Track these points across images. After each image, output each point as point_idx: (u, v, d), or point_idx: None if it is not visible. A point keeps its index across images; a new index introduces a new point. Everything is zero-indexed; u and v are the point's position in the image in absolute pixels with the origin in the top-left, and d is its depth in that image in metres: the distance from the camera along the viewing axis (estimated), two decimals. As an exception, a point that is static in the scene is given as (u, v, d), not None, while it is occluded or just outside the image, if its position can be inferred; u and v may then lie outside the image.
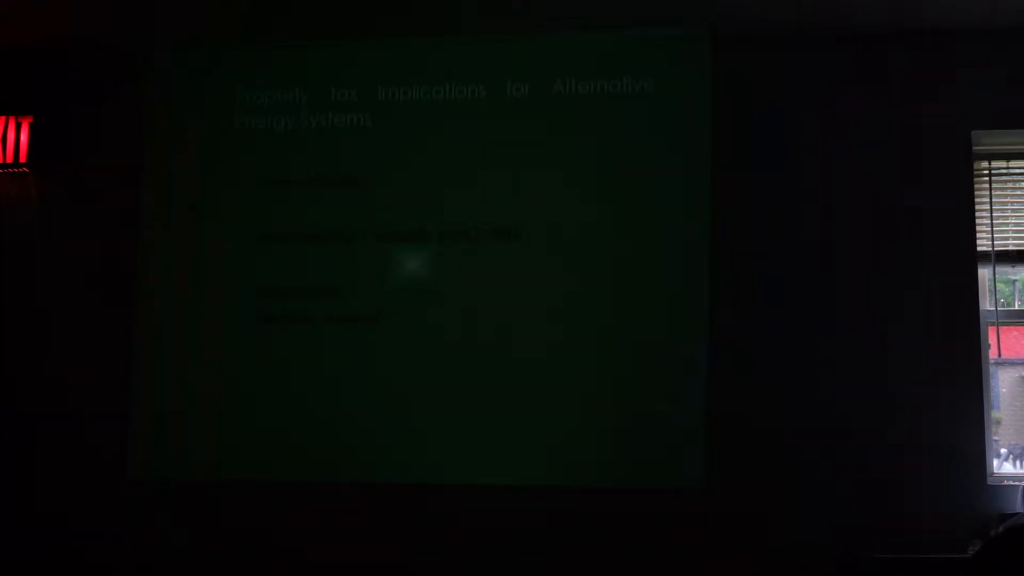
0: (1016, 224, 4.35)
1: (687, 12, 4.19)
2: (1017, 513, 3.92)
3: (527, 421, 4.20)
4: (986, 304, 4.26)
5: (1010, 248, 4.31)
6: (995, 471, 4.14)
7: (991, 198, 4.33)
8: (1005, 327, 4.30)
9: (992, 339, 4.26)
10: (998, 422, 4.28)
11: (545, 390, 4.21)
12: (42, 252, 4.63)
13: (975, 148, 4.27)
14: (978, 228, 4.24)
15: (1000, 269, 4.30)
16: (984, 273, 4.26)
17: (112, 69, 4.67)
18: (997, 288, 4.29)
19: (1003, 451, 4.24)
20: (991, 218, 4.31)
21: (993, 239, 4.29)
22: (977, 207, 4.27)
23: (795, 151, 4.30)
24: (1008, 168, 4.38)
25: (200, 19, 4.36)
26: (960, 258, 4.19)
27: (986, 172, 4.35)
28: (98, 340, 4.52)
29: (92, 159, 4.65)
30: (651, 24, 4.32)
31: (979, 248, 4.24)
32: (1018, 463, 4.20)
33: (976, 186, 4.29)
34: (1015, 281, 4.38)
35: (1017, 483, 4.02)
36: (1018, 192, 4.40)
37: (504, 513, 4.20)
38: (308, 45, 4.55)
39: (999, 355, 4.27)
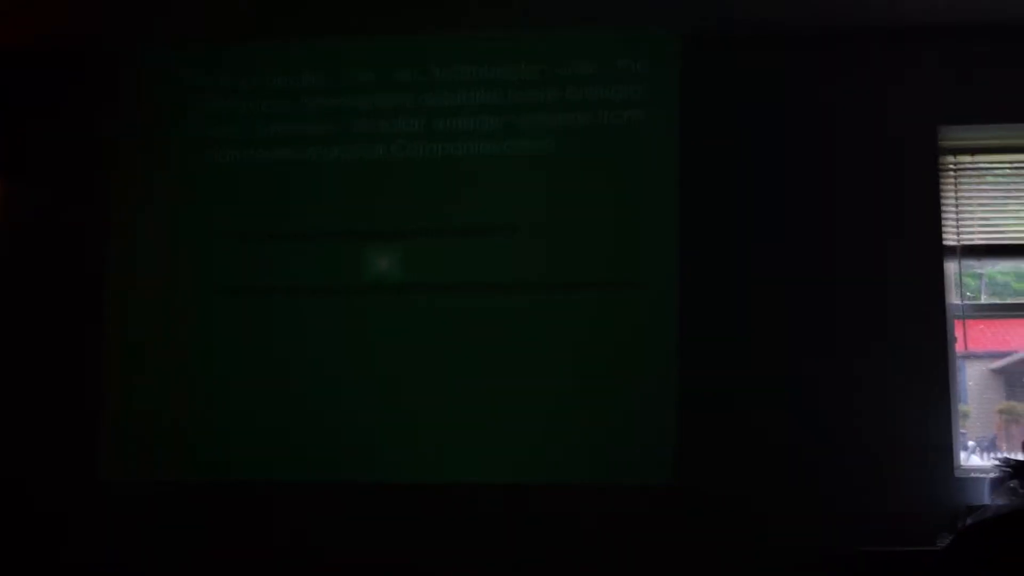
0: (982, 218, 4.38)
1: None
2: (984, 505, 3.95)
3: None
4: (953, 298, 4.29)
5: (976, 242, 4.34)
6: (963, 464, 4.18)
7: (957, 193, 4.36)
8: (972, 320, 4.33)
9: (959, 332, 4.29)
10: (965, 415, 4.32)
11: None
12: (13, 257, 4.59)
13: (941, 143, 4.30)
14: (944, 223, 4.28)
15: (966, 263, 4.33)
16: (951, 267, 4.30)
17: (87, 72, 4.63)
18: (964, 282, 4.33)
19: (970, 444, 4.29)
20: (957, 213, 4.34)
21: (959, 233, 4.33)
22: (943, 202, 4.30)
23: (759, 149, 4.31)
24: (974, 163, 4.40)
25: (180, 22, 4.34)
26: (927, 252, 4.23)
27: (952, 167, 4.38)
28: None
29: (64, 163, 4.62)
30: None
31: (945, 243, 4.27)
32: (985, 456, 4.25)
33: (942, 181, 4.32)
34: (981, 275, 4.41)
35: (984, 475, 4.05)
36: (984, 187, 4.42)
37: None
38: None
39: (966, 348, 4.31)
